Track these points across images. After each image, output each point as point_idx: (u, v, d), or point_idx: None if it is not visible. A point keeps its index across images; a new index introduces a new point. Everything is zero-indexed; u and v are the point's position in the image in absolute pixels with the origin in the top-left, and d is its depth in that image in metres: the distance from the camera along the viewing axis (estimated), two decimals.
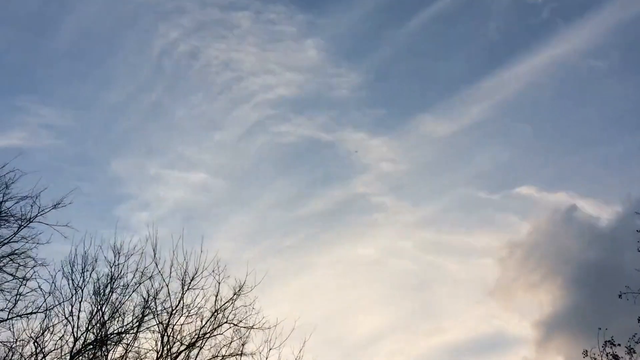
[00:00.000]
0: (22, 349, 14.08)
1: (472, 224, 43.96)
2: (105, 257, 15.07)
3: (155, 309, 15.12)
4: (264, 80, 44.46)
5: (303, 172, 45.79)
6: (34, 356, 13.85)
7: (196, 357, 15.04)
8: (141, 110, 43.12)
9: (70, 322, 14.36)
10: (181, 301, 15.29)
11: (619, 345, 14.08)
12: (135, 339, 14.83)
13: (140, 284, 15.16)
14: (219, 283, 15.55)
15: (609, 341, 13.93)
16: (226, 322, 15.42)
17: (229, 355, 15.16)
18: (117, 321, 14.83)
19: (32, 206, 14.38)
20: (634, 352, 13.78)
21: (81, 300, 14.58)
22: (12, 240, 14.22)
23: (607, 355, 13.87)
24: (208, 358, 15.11)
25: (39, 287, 14.31)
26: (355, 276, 41.50)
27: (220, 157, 44.28)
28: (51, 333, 14.24)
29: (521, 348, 35.55)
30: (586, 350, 14.04)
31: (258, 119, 43.81)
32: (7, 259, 14.13)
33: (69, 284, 14.64)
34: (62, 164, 37.31)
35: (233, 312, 15.49)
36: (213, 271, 15.53)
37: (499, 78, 44.71)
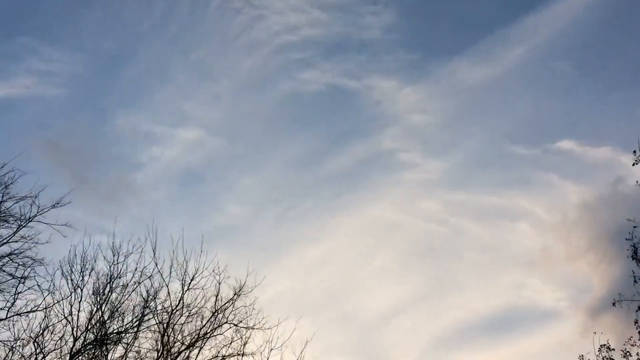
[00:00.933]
0: (22, 349, 14.04)
1: (506, 183, 38.64)
2: (104, 257, 15.04)
3: (155, 308, 15.15)
4: (286, 20, 38.73)
5: (323, 126, 41.05)
6: (34, 356, 13.80)
7: (196, 357, 15.11)
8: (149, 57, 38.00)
9: (69, 322, 14.33)
10: (181, 301, 15.31)
11: (613, 350, 14.31)
12: (135, 338, 14.83)
13: (139, 283, 15.15)
14: (220, 283, 15.59)
15: (604, 345, 14.16)
16: (226, 322, 15.46)
17: (229, 356, 15.22)
18: (117, 321, 14.84)
19: (31, 206, 14.25)
20: (630, 355, 14.00)
21: (80, 299, 14.56)
22: (11, 240, 14.10)
23: (602, 359, 14.10)
24: (208, 358, 15.17)
25: (38, 285, 14.22)
26: (377, 242, 37.89)
27: (229, 110, 39.13)
28: (51, 333, 14.19)
29: (557, 325, 31.89)
30: (582, 356, 14.26)
31: (277, 64, 38.55)
32: (7, 258, 14.00)
33: (68, 284, 14.60)
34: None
35: (233, 312, 15.55)
36: (213, 271, 15.55)
37: (540, 16, 37.74)
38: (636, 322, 14.43)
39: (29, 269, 14.24)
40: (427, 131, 39.52)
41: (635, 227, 14.81)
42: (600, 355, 14.19)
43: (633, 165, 15.00)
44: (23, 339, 13.95)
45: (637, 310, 14.20)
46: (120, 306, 14.91)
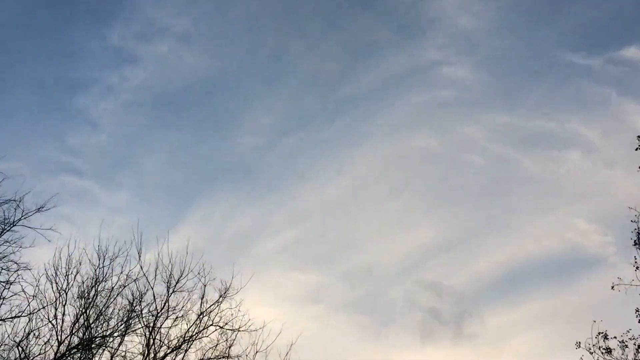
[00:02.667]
0: (6, 354, 14.02)
1: (557, 102, 33.30)
2: (89, 260, 15.06)
3: (141, 312, 15.03)
4: None
5: (349, 32, 33.27)
6: None
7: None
8: None
9: (54, 326, 14.30)
10: (166, 304, 15.19)
11: (614, 337, 13.74)
12: (120, 342, 14.70)
13: (125, 286, 15.11)
14: (205, 285, 15.48)
15: (601, 333, 13.60)
16: (212, 325, 15.30)
17: (215, 358, 14.98)
18: (102, 324, 14.76)
19: (15, 209, 14.39)
20: (626, 346, 13.41)
21: (65, 303, 14.53)
22: None
23: (600, 348, 13.51)
24: None
25: (23, 290, 14.23)
26: (407, 176, 33.03)
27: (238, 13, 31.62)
28: (36, 337, 14.16)
29: (610, 271, 26.70)
30: (579, 342, 13.70)
31: None
32: None
33: (52, 288, 14.61)
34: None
35: (219, 314, 15.38)
36: (199, 273, 15.47)
37: None
38: (637, 310, 13.90)
39: (13, 274, 14.34)
40: (473, 38, 32.82)
41: (637, 215, 14.41)
42: (597, 344, 13.62)
43: (636, 150, 14.67)
44: (7, 344, 13.97)
45: None
46: (106, 310, 14.87)
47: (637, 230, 14.41)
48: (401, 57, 33.28)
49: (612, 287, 13.77)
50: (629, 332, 13.86)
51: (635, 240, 14.48)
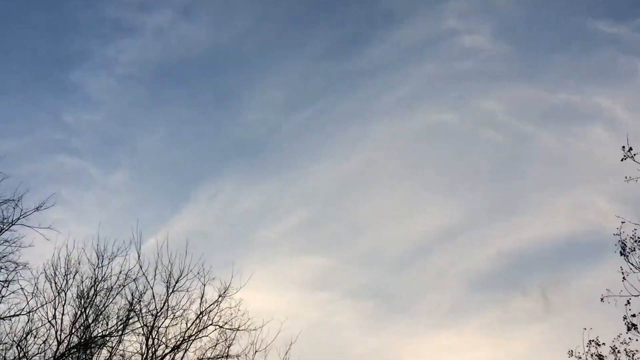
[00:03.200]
0: (5, 353, 14.01)
1: (581, 73, 31.13)
2: (88, 260, 15.04)
3: (140, 311, 15.06)
4: None
5: (363, 1, 31.48)
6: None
7: (181, 359, 14.97)
8: None
9: (53, 326, 14.31)
10: (166, 303, 15.24)
11: (604, 344, 14.05)
12: (119, 342, 14.77)
13: (124, 286, 15.14)
14: (204, 285, 15.52)
15: (593, 340, 13.92)
16: (211, 324, 15.38)
17: (214, 358, 15.09)
18: (101, 324, 14.81)
19: (14, 209, 14.34)
20: (619, 352, 13.75)
21: (64, 303, 14.55)
22: None
23: (591, 355, 13.85)
24: None
25: (22, 289, 14.25)
26: (422, 153, 31.47)
27: None
28: (34, 337, 14.18)
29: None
30: (571, 350, 14.01)
31: None
32: None
33: (52, 287, 14.60)
34: None
35: (218, 314, 15.45)
36: (198, 273, 15.49)
37: None
38: (625, 318, 14.20)
39: (12, 273, 14.31)
40: (495, 4, 31.22)
41: (623, 222, 14.61)
42: (589, 351, 13.95)
43: (621, 160, 14.77)
44: (6, 343, 13.95)
45: (625, 304, 13.98)
46: (105, 309, 14.91)
47: (621, 241, 14.66)
48: (417, 26, 32.08)
49: (602, 299, 14.04)
50: (619, 336, 14.20)
51: (620, 251, 14.71)
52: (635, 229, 14.41)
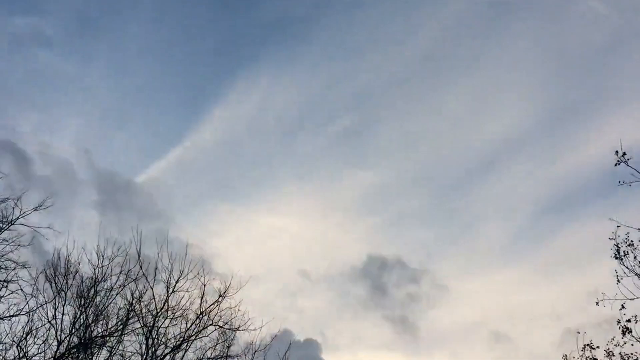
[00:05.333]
0: (5, 353, 13.97)
1: None
2: (89, 260, 14.99)
3: (140, 311, 15.09)
4: None
5: None
6: None
7: (181, 359, 15.05)
8: None
9: (53, 326, 14.29)
10: (166, 304, 15.29)
11: (598, 347, 14.33)
12: (119, 342, 14.80)
13: (124, 286, 15.14)
14: (204, 285, 15.60)
15: (587, 344, 14.20)
16: (211, 325, 15.48)
17: (214, 358, 15.21)
18: (101, 324, 14.83)
19: (13, 208, 14.20)
20: (613, 354, 14.04)
21: (64, 303, 14.51)
22: None
23: (586, 358, 14.13)
24: None
25: (21, 289, 14.14)
26: (496, 31, 27.44)
27: None
28: (34, 337, 14.13)
29: None
30: (566, 355, 14.30)
31: None
32: None
33: (52, 287, 14.53)
34: None
35: (218, 314, 15.55)
36: (198, 274, 15.53)
37: None
38: (619, 321, 14.46)
39: (11, 272, 14.19)
40: None
41: (619, 226, 14.82)
42: (583, 355, 14.22)
43: (615, 165, 14.86)
44: (6, 343, 13.90)
45: (620, 309, 14.23)
46: (105, 309, 14.90)
47: (615, 245, 14.88)
48: None
49: (597, 303, 14.28)
50: (613, 339, 14.48)
51: (615, 254, 14.94)
52: (628, 232, 14.68)
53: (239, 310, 15.59)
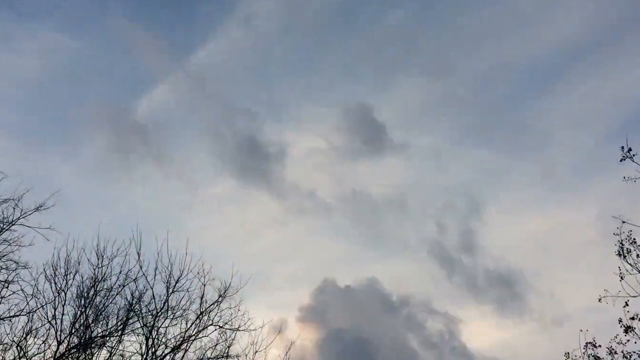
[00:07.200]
0: (4, 353, 14.00)
1: None
2: (88, 260, 14.99)
3: (140, 311, 15.06)
4: None
5: None
6: None
7: (181, 359, 15.00)
8: None
9: (53, 326, 14.30)
10: (166, 304, 15.24)
11: (600, 346, 14.20)
12: (119, 342, 14.77)
13: (124, 286, 15.11)
14: (204, 285, 15.53)
15: (590, 342, 14.07)
16: (211, 325, 15.42)
17: (214, 358, 15.15)
18: (101, 324, 14.80)
19: (14, 209, 14.28)
20: (615, 352, 13.91)
21: (64, 303, 14.51)
22: None
23: (588, 356, 14.00)
24: None
25: (22, 289, 14.21)
26: None
27: None
28: (34, 337, 14.17)
29: None
30: (568, 353, 14.16)
31: None
32: None
33: (51, 287, 14.55)
34: None
35: (218, 314, 15.50)
36: (198, 273, 15.49)
37: None
38: (620, 320, 14.33)
39: (12, 273, 14.27)
40: None
41: (624, 222, 14.70)
42: (586, 353, 14.10)
43: (620, 161, 14.79)
44: (6, 343, 13.94)
45: (623, 307, 14.10)
46: (105, 309, 14.89)
47: (620, 242, 14.75)
48: None
49: (600, 300, 14.16)
50: (616, 337, 14.34)
51: (619, 251, 14.81)
52: (631, 230, 14.57)
53: (239, 310, 15.56)
